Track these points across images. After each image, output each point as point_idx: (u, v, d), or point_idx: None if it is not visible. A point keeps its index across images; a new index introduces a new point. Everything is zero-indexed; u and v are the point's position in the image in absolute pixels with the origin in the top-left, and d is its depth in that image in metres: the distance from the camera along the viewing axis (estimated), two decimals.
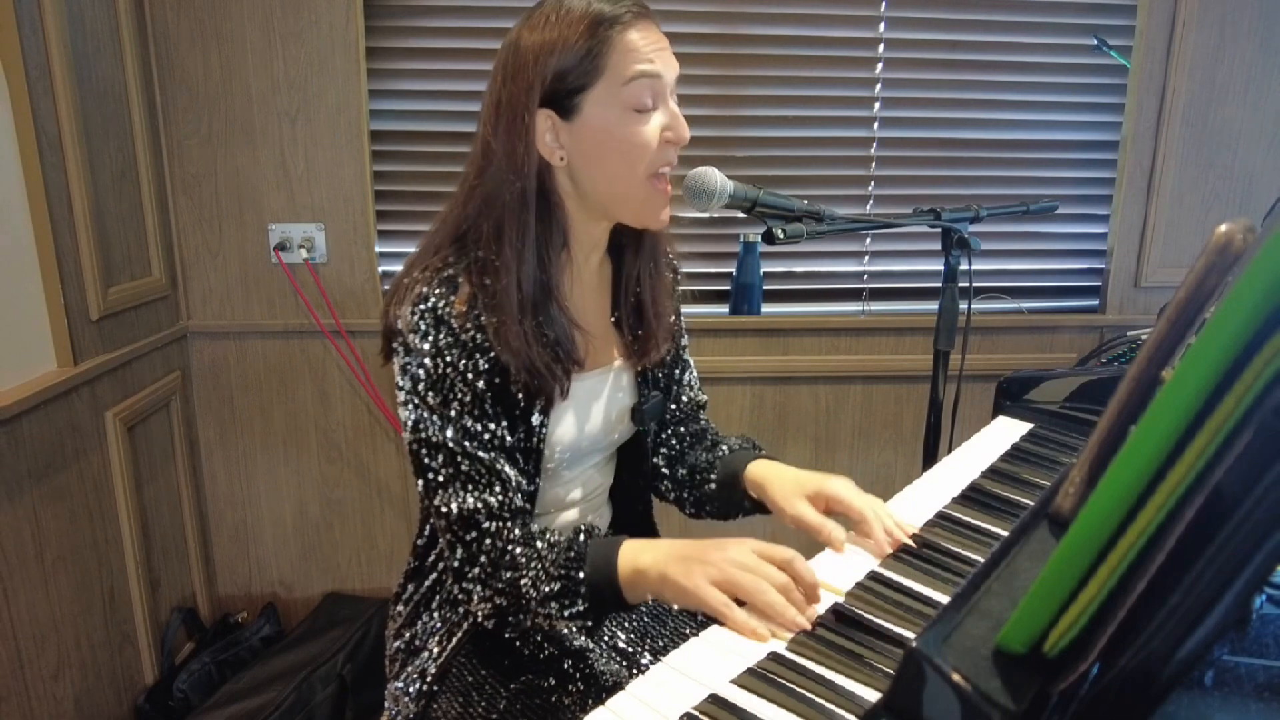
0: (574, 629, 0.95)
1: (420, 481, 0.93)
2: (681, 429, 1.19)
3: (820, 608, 0.81)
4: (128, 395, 1.67)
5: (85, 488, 1.54)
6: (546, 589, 0.87)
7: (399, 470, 2.06)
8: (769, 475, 1.03)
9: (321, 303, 1.94)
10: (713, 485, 1.10)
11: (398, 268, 1.95)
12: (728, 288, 2.08)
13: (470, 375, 0.90)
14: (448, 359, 0.89)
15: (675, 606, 1.13)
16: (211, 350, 1.96)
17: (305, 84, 1.84)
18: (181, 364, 1.91)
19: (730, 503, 1.09)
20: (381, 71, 1.90)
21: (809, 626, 0.78)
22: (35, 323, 1.43)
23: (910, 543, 0.92)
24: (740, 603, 0.80)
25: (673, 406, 1.19)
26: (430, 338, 0.89)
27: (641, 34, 0.89)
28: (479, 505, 0.90)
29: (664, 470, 1.19)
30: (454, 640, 1.02)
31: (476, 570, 0.91)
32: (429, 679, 1.01)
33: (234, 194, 1.88)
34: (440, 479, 0.91)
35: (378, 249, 1.95)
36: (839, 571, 0.87)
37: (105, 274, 1.57)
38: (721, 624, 0.80)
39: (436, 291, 0.90)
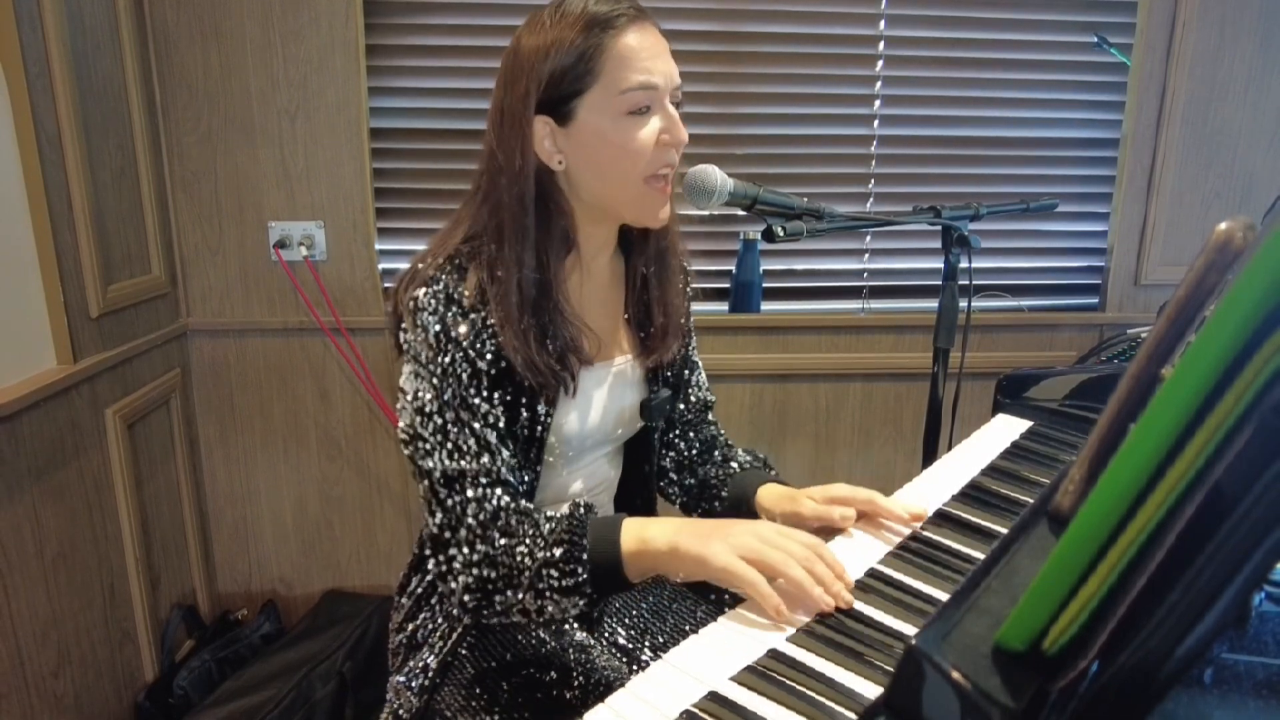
0: (566, 608, 0.89)
1: (410, 449, 0.92)
2: (690, 433, 1.19)
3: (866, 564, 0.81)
4: (127, 393, 1.67)
5: (85, 485, 1.54)
6: (545, 554, 0.85)
7: (399, 467, 2.07)
8: (776, 500, 1.04)
9: (321, 300, 1.94)
10: (719, 504, 1.11)
11: (398, 265, 1.96)
12: (727, 285, 2.08)
13: (473, 353, 0.91)
14: (453, 335, 0.90)
15: (679, 579, 1.12)
16: (211, 348, 1.96)
17: (305, 82, 1.84)
18: (181, 362, 1.91)
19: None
20: (381, 69, 1.89)
21: (841, 605, 0.78)
22: (35, 320, 1.43)
23: (912, 522, 0.93)
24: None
25: (681, 407, 1.19)
26: (439, 313, 0.90)
27: (639, 38, 0.88)
28: (464, 468, 0.90)
29: (672, 475, 1.19)
30: (455, 635, 1.02)
31: (463, 532, 0.88)
32: (430, 674, 1.01)
33: (234, 192, 1.88)
34: (428, 446, 0.91)
35: (378, 247, 1.95)
36: (848, 561, 0.88)
37: (105, 272, 1.57)
38: (729, 612, 0.80)
39: (449, 276, 0.92)
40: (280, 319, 1.94)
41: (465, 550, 0.88)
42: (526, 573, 0.86)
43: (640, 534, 0.86)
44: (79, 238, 1.50)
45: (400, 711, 1.02)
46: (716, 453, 1.17)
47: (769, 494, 1.06)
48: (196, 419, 1.98)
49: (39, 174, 1.41)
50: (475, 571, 0.88)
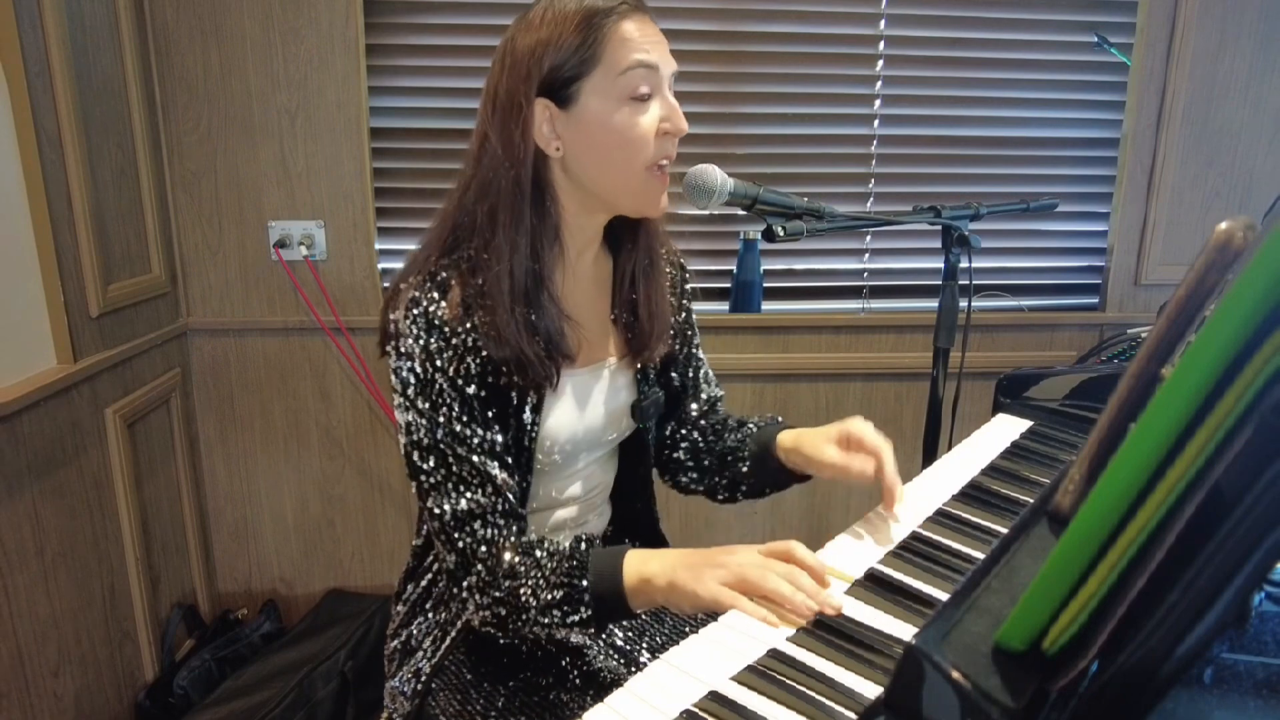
0: (574, 636, 0.95)
1: (414, 485, 0.93)
2: (703, 422, 1.20)
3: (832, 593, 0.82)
4: (128, 392, 1.67)
5: (85, 484, 1.54)
6: (547, 597, 0.87)
7: (400, 467, 2.06)
8: (799, 437, 1.07)
9: (322, 300, 1.94)
10: (745, 465, 1.11)
11: (398, 265, 1.95)
12: (728, 285, 2.08)
13: (460, 381, 0.90)
14: (437, 364, 0.90)
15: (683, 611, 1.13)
16: (211, 347, 1.96)
17: (305, 81, 1.84)
18: (181, 361, 1.91)
19: (763, 478, 1.11)
20: (381, 68, 1.89)
21: (822, 610, 0.78)
22: (35, 320, 1.43)
23: (900, 502, 0.96)
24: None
25: (693, 406, 1.19)
26: (421, 341, 0.89)
27: (637, 26, 0.89)
28: (471, 506, 0.90)
29: (689, 465, 1.19)
30: (448, 639, 1.02)
31: (473, 579, 0.91)
32: (423, 678, 1.01)
33: (234, 191, 1.88)
34: (432, 481, 0.91)
35: (378, 246, 1.95)
36: (845, 558, 0.88)
37: (105, 271, 1.57)
38: (725, 619, 0.80)
39: (429, 296, 0.90)
40: (280, 318, 1.94)
41: (478, 596, 0.91)
42: (531, 611, 0.88)
43: (641, 570, 0.86)
44: (79, 237, 1.50)
45: (396, 716, 1.02)
46: (729, 425, 1.18)
47: (789, 435, 1.09)
48: (196, 418, 1.98)
49: (39, 174, 1.41)
50: (487, 613, 0.91)
